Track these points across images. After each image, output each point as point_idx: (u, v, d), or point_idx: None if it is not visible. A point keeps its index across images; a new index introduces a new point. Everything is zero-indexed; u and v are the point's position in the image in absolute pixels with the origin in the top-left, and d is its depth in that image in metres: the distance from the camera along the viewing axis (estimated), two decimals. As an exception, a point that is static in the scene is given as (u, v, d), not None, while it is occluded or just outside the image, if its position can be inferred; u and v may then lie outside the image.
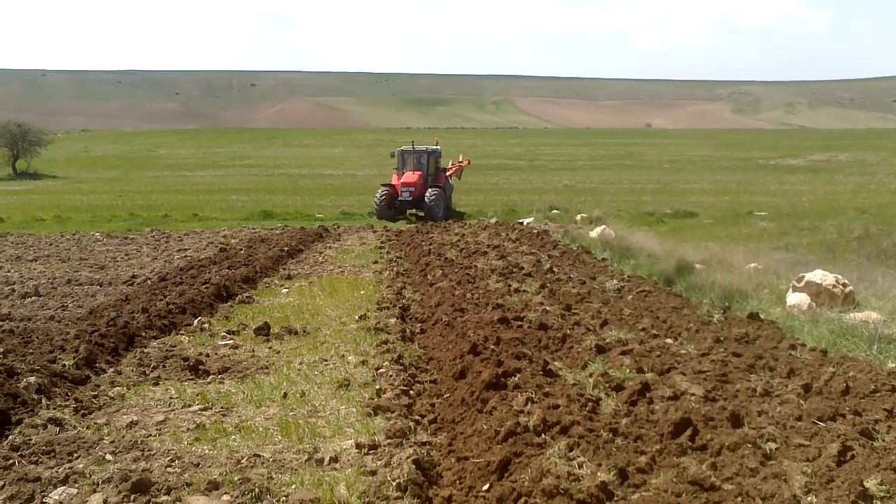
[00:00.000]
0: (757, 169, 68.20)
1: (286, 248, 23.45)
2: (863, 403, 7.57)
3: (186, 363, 10.60)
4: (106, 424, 8.24)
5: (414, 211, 35.60)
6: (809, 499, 5.49)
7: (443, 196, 35.28)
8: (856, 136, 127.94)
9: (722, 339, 10.76)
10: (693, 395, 7.86)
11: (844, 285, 14.03)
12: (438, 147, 37.19)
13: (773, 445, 6.50)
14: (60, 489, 6.52)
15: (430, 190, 34.93)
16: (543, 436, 6.91)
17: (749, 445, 6.42)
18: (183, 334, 12.73)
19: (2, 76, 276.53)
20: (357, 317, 13.80)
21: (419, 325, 13.39)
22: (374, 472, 6.74)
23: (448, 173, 38.18)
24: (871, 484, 5.58)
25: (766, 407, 7.57)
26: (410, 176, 35.48)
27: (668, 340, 10.79)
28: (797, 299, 13.85)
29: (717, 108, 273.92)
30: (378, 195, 35.52)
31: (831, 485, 5.65)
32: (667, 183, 53.62)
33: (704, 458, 6.34)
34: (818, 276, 14.14)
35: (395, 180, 35.97)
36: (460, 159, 40.95)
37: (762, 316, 12.61)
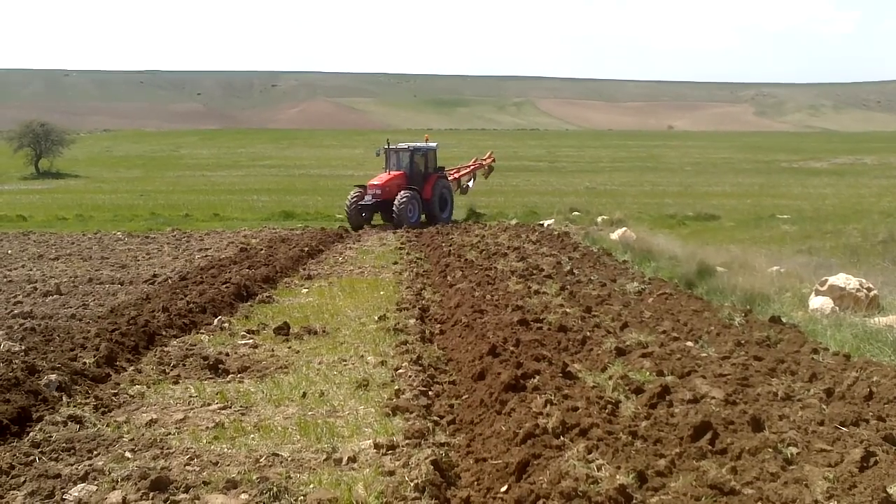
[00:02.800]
0: (780, 172, 67.81)
1: (306, 249, 23.52)
2: (887, 409, 7.47)
3: (206, 362, 10.64)
4: (126, 422, 8.28)
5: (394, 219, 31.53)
6: (831, 504, 5.43)
7: (417, 200, 31.72)
8: (881, 138, 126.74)
9: (743, 342, 10.67)
10: (713, 398, 7.80)
11: (869, 289, 13.90)
12: (429, 145, 33.84)
13: (794, 450, 6.43)
14: (80, 486, 6.55)
15: (401, 193, 31.42)
16: (562, 438, 6.87)
17: (770, 450, 6.36)
18: (203, 333, 12.77)
19: (25, 76, 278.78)
20: (376, 317, 13.81)
21: (438, 325, 13.37)
22: (392, 473, 6.73)
23: (459, 174, 36.39)
24: (894, 490, 5.50)
25: (788, 411, 7.50)
26: (382, 177, 32.45)
27: (689, 343, 10.72)
28: (820, 303, 13.74)
29: (739, 111, 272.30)
30: (349, 198, 32.10)
31: (854, 491, 5.58)
32: (688, 185, 53.41)
33: (724, 461, 6.29)
34: (842, 279, 14.01)
35: None
36: (486, 156, 38.91)
37: (784, 319, 12.50)
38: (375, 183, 32.00)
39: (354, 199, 31.68)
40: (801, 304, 14.34)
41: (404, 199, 31.15)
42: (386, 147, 33.60)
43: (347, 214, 31.97)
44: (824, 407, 7.55)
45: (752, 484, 5.86)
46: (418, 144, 33.87)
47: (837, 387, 8.14)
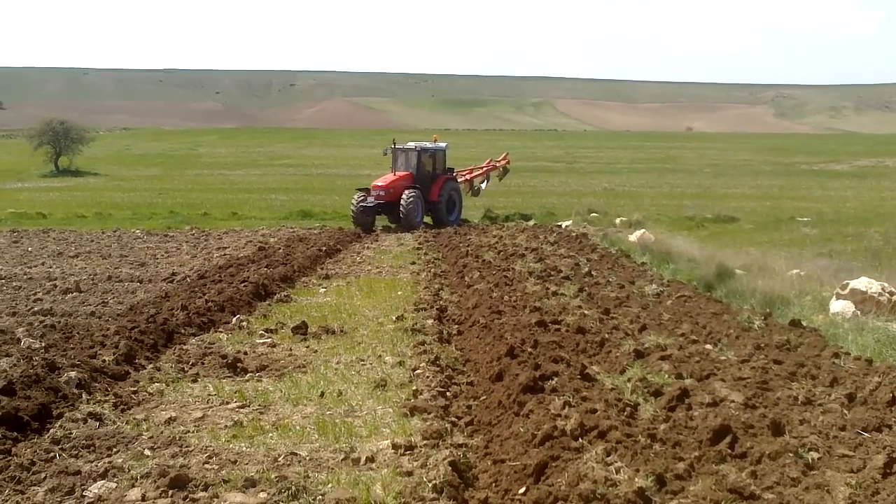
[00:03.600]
0: (800, 174, 67.35)
1: (324, 248, 23.57)
2: (909, 414, 7.41)
3: (225, 361, 10.67)
4: (145, 420, 8.31)
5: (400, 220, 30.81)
6: (853, 510, 5.39)
7: (421, 199, 30.84)
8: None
9: (763, 345, 10.61)
10: (733, 401, 7.75)
11: (891, 293, 13.78)
12: (438, 145, 32.73)
13: (815, 455, 6.38)
14: (100, 483, 6.58)
15: (406, 192, 30.43)
16: (580, 440, 6.85)
17: (790, 454, 6.32)
18: (221, 332, 12.82)
19: (45, 74, 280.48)
20: (394, 317, 13.81)
21: (456, 326, 13.36)
22: (410, 473, 6.73)
23: (471, 175, 35.44)
24: (917, 497, 5.45)
25: (809, 416, 7.44)
26: (386, 178, 31.32)
27: (708, 346, 10.67)
28: (841, 307, 13.63)
29: (759, 112, 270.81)
30: (354, 201, 31.01)
31: (877, 497, 5.53)
32: (707, 187, 53.14)
33: (744, 465, 6.25)
34: (863, 283, 13.90)
35: None
36: (501, 157, 37.73)
37: (804, 323, 12.41)
38: (379, 184, 30.96)
39: (360, 201, 30.66)
40: (821, 307, 14.24)
41: (411, 199, 30.23)
42: (392, 146, 32.52)
43: (353, 218, 30.96)
44: (846, 412, 7.49)
45: (773, 489, 5.82)
46: (426, 144, 32.72)
47: (859, 392, 8.07)
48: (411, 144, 32.87)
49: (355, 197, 31.06)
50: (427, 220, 32.35)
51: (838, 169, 73.37)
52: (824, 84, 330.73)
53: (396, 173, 31.53)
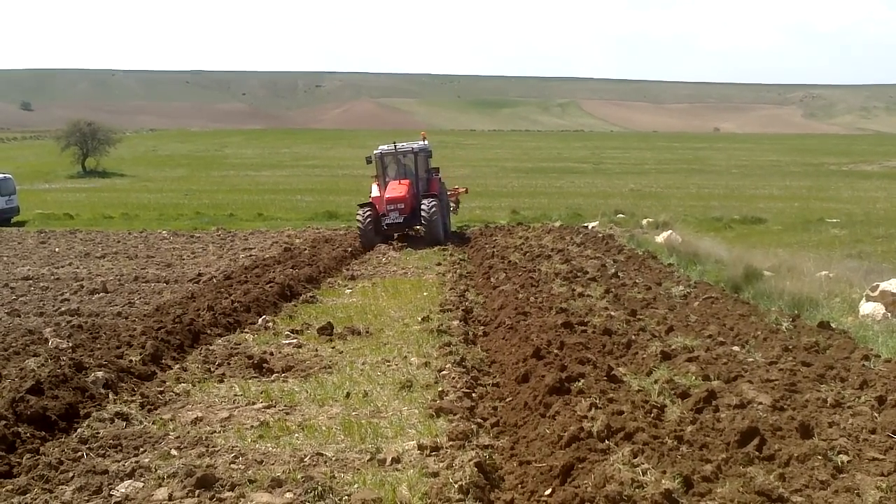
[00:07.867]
0: (829, 175, 66.66)
1: (350, 249, 23.67)
2: (940, 417, 7.30)
3: (251, 361, 10.71)
4: (171, 420, 8.36)
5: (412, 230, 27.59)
6: (884, 514, 5.32)
7: (439, 207, 26.48)
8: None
9: (791, 347, 10.52)
10: (760, 403, 7.69)
11: (922, 295, 13.61)
12: (427, 143, 28.20)
13: (844, 458, 6.32)
14: (127, 482, 6.62)
15: (426, 200, 26.14)
16: (607, 442, 6.82)
17: (819, 457, 6.25)
18: (247, 332, 12.87)
19: (73, 76, 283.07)
20: (420, 318, 13.80)
21: (482, 327, 13.35)
22: (436, 474, 6.72)
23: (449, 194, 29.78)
24: (949, 501, 5.37)
25: (838, 418, 7.37)
26: (397, 188, 26.49)
27: (735, 348, 10.60)
28: (871, 309, 13.48)
29: (788, 113, 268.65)
30: (362, 220, 26.00)
31: (907, 501, 5.46)
32: (735, 188, 52.74)
33: (772, 468, 6.20)
34: (894, 285, 13.74)
35: (376, 193, 27.35)
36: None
37: (833, 325, 12.29)
38: (395, 196, 26.21)
39: (369, 219, 25.98)
40: (850, 309, 14.10)
41: (434, 207, 26.05)
42: (394, 150, 27.46)
43: (362, 236, 26.00)
44: (876, 415, 7.41)
45: (801, 491, 5.77)
46: (418, 144, 28.06)
47: (890, 394, 7.96)
48: (405, 146, 28.07)
49: (363, 213, 26.27)
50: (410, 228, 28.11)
51: (868, 170, 72.61)
52: (855, 84, 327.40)
53: (401, 181, 27.01)
